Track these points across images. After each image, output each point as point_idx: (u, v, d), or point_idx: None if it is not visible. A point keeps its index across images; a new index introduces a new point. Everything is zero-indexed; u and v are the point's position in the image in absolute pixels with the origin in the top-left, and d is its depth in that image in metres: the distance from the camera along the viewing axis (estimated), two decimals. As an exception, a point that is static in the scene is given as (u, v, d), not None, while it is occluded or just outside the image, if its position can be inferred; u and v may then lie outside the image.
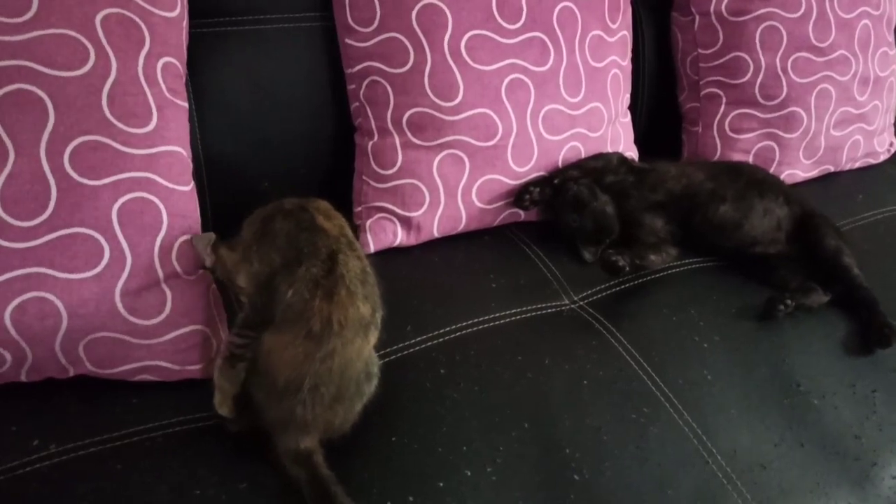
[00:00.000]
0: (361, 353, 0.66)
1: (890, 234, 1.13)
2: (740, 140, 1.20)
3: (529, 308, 0.87)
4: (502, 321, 0.85)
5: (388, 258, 0.95)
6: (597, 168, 1.04)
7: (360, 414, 0.68)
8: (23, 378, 0.71)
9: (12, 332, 0.66)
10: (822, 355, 0.86)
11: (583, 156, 1.05)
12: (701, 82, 1.22)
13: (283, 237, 0.67)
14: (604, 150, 1.09)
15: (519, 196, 1.00)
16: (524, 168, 1.00)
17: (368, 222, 0.97)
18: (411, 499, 0.65)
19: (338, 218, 0.70)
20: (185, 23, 0.82)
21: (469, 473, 0.68)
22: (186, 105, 0.79)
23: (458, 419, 0.73)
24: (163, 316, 0.71)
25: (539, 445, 0.71)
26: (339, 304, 0.63)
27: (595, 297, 0.91)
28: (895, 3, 1.31)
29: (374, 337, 0.68)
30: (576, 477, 0.69)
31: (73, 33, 0.69)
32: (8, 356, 0.68)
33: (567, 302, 0.90)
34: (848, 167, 1.30)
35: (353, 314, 0.64)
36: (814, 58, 1.18)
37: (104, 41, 0.71)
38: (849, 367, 0.85)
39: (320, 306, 0.63)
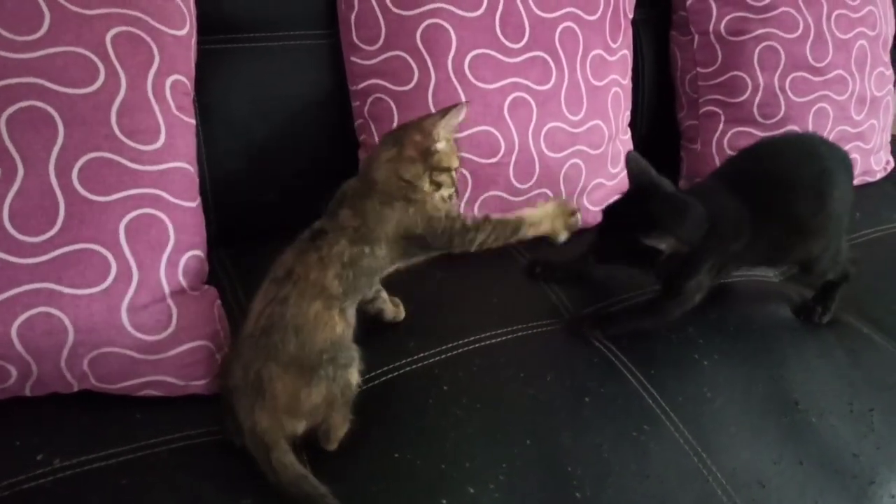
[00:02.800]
0: (321, 320, 0.68)
1: (888, 251, 1.14)
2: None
3: (531, 325, 0.88)
4: (504, 337, 0.85)
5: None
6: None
7: (352, 425, 0.70)
8: (27, 393, 0.71)
9: (18, 346, 0.67)
10: (820, 374, 0.87)
11: (583, 173, 1.06)
12: (700, 100, 1.24)
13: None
14: (604, 168, 1.10)
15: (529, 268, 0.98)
16: (526, 185, 1.01)
17: (371, 237, 0.98)
18: (414, 515, 0.66)
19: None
20: (194, 41, 0.83)
21: (472, 490, 0.68)
22: (194, 122, 0.80)
23: (460, 435, 0.73)
24: (168, 331, 0.72)
25: (541, 462, 0.72)
26: (304, 262, 0.70)
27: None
28: (891, 24, 1.33)
29: (340, 320, 0.69)
30: (577, 494, 0.70)
31: (83, 51, 0.70)
32: (13, 371, 0.68)
33: (570, 315, 0.91)
34: (845, 185, 1.31)
35: (315, 277, 0.69)
36: (811, 77, 1.20)
37: (114, 59, 0.71)
38: (847, 385, 0.86)
39: (288, 258, 0.71)
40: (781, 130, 1.19)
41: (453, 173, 0.76)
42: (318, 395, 0.68)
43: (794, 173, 0.87)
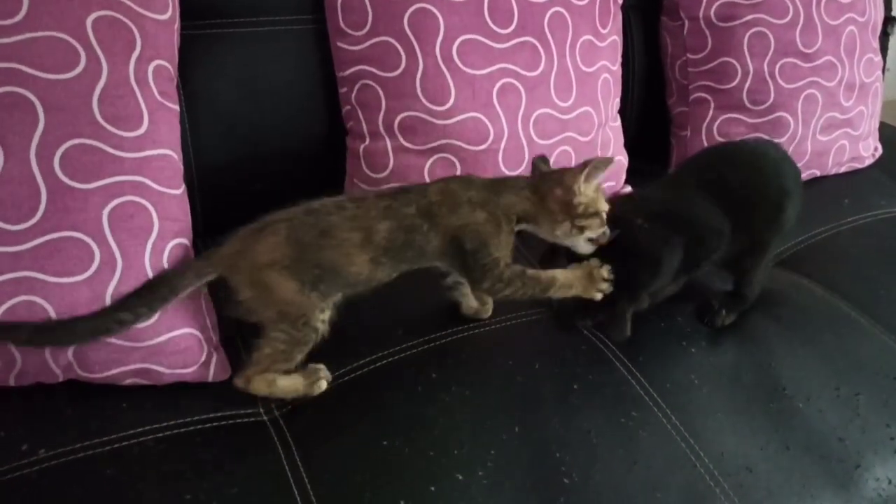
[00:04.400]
0: (346, 246, 0.71)
1: (876, 237, 1.14)
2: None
3: (520, 313, 0.87)
4: (493, 325, 0.85)
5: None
6: None
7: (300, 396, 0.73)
8: (11, 382, 0.71)
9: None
10: (806, 360, 0.87)
11: (573, 160, 1.06)
12: (690, 87, 1.23)
13: None
14: (594, 154, 1.09)
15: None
16: (515, 172, 1.01)
17: (359, 225, 0.98)
18: (402, 502, 0.65)
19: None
20: (177, 25, 0.82)
21: (460, 477, 0.68)
22: (178, 108, 0.79)
23: (449, 423, 0.73)
24: (153, 320, 0.71)
25: (529, 449, 0.72)
26: (376, 200, 0.73)
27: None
28: (880, 10, 1.33)
29: (366, 265, 0.72)
30: (566, 480, 0.70)
31: (63, 36, 0.69)
32: (-3, 360, 0.67)
33: (557, 307, 0.91)
34: (834, 172, 1.31)
35: (374, 217, 0.72)
36: (801, 63, 1.20)
37: (95, 44, 0.70)
38: (833, 371, 0.86)
39: (371, 192, 0.76)
40: (771, 117, 1.19)
41: (602, 214, 0.76)
42: (280, 291, 0.70)
43: (759, 186, 0.88)
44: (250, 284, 0.71)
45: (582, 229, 0.76)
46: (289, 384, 0.74)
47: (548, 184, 0.76)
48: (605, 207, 0.77)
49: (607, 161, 0.75)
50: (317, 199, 0.74)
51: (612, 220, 0.80)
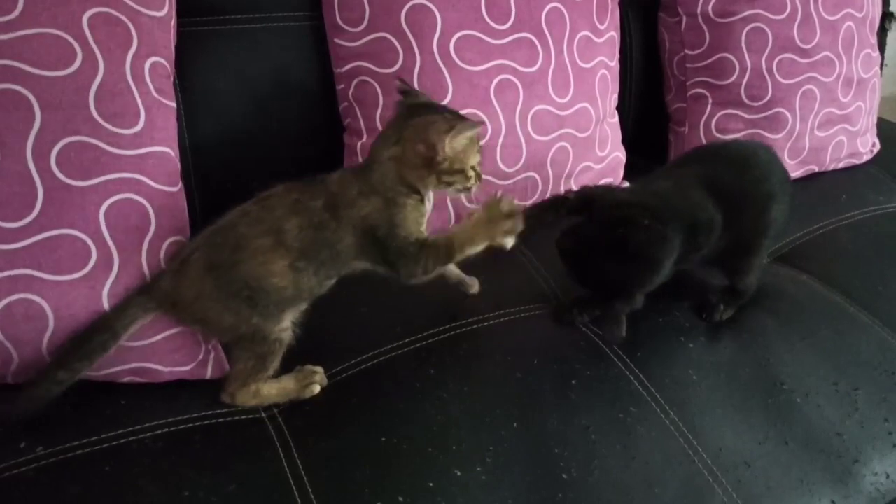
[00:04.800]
0: (259, 254, 0.68)
1: (873, 233, 1.15)
2: (726, 140, 1.21)
3: (518, 309, 0.87)
4: (491, 322, 0.85)
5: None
6: None
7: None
8: (9, 380, 0.71)
9: (-2, 333, 0.66)
10: (805, 355, 0.87)
11: (570, 157, 1.05)
12: (688, 83, 1.23)
13: None
14: (592, 151, 1.09)
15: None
16: (513, 168, 1.01)
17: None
18: (401, 499, 0.65)
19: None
20: (174, 22, 0.82)
21: (459, 473, 0.68)
22: (174, 105, 0.78)
23: (447, 419, 0.73)
24: (150, 318, 0.71)
25: (528, 445, 0.72)
26: (283, 196, 0.71)
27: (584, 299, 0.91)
28: (878, 5, 1.33)
29: (286, 273, 0.68)
30: (564, 476, 0.70)
31: (59, 33, 0.69)
32: (-6, 358, 0.67)
33: (555, 303, 0.91)
34: (832, 167, 1.31)
35: (280, 215, 0.69)
36: (799, 59, 1.19)
37: (91, 41, 0.70)
38: (831, 366, 0.86)
39: (279, 188, 0.72)
40: (769, 112, 1.19)
41: (469, 170, 0.71)
42: (222, 320, 0.69)
43: (746, 186, 0.88)
44: (192, 320, 0.70)
45: (449, 184, 0.71)
46: (277, 390, 0.73)
47: (413, 137, 0.70)
48: (472, 163, 0.71)
49: (474, 126, 0.70)
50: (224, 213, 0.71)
51: (611, 219, 0.78)
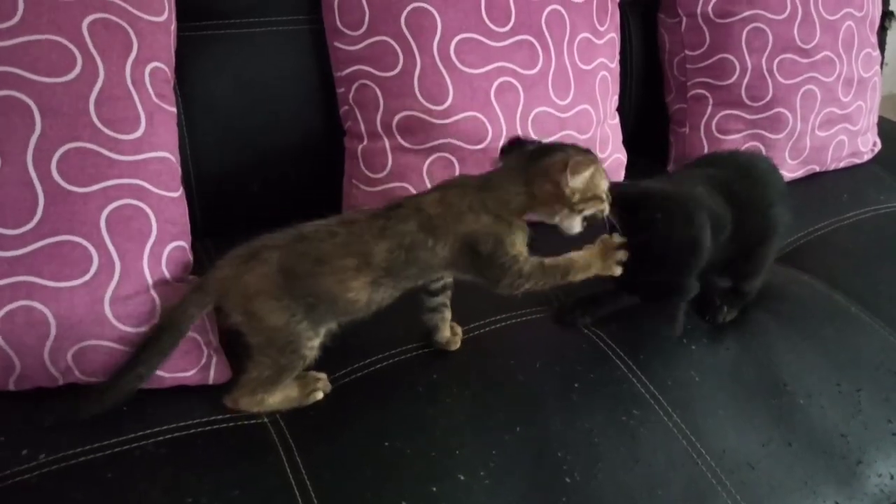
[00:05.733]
0: (340, 274, 0.69)
1: (875, 232, 1.15)
2: (727, 141, 1.21)
3: (521, 312, 0.87)
4: (494, 326, 0.85)
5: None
6: None
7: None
8: (11, 387, 0.70)
9: (0, 341, 0.66)
10: (807, 355, 0.87)
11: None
12: (688, 83, 1.23)
13: None
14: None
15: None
16: (514, 170, 1.00)
17: (358, 226, 0.97)
18: (404, 503, 0.65)
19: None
20: (173, 27, 0.82)
21: (462, 477, 0.68)
22: (175, 110, 0.78)
23: (450, 423, 0.73)
24: (152, 323, 0.71)
25: (531, 448, 0.72)
26: (369, 222, 0.71)
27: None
28: (878, 5, 1.33)
29: (363, 289, 0.70)
30: (567, 479, 0.70)
31: (59, 39, 0.69)
32: (-4, 365, 0.67)
33: (558, 305, 0.90)
34: (833, 167, 1.31)
35: (368, 241, 0.70)
36: (799, 59, 1.19)
37: (91, 47, 0.70)
38: (834, 367, 0.86)
39: (361, 213, 0.73)
40: (769, 112, 1.19)
41: (602, 194, 0.74)
42: (271, 319, 0.69)
43: (749, 194, 0.88)
44: (240, 311, 0.70)
45: (582, 211, 0.73)
46: (281, 398, 0.73)
47: (537, 179, 0.72)
48: (603, 188, 0.74)
49: (589, 158, 0.72)
50: (309, 222, 0.72)
51: (640, 208, 0.79)
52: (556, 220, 0.75)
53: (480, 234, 0.71)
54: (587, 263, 0.75)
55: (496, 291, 0.74)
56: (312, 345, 0.72)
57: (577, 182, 0.71)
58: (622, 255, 0.76)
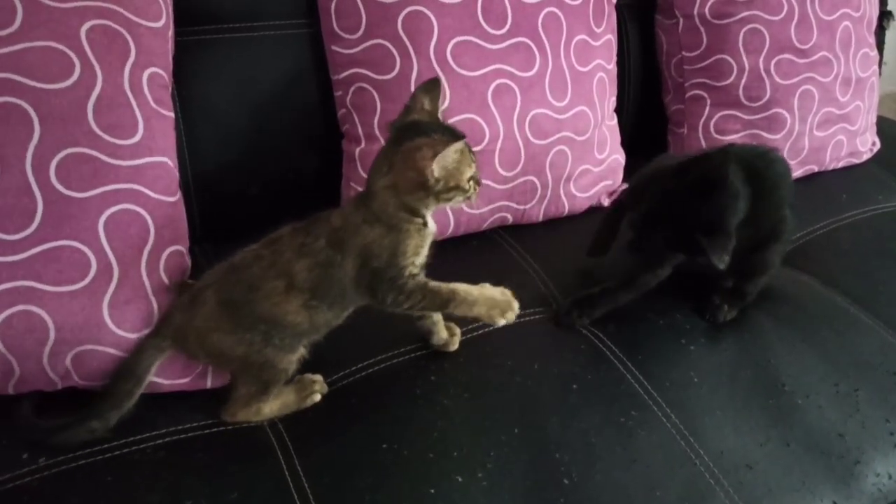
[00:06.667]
0: (273, 296, 0.69)
1: (874, 232, 1.14)
2: (725, 141, 1.20)
3: (519, 313, 0.87)
4: (491, 327, 0.85)
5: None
6: None
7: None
8: (10, 391, 0.71)
9: None
10: (805, 356, 0.87)
11: (569, 160, 1.05)
12: (686, 84, 1.23)
13: None
14: (590, 154, 1.09)
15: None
16: (512, 172, 1.01)
17: (357, 228, 0.97)
18: (402, 505, 0.66)
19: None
20: (171, 32, 0.82)
21: (460, 479, 0.68)
22: (172, 115, 0.79)
23: (448, 425, 0.73)
24: (151, 328, 0.71)
25: (529, 450, 0.72)
26: (291, 240, 0.71)
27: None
28: (875, 4, 1.33)
29: (300, 311, 0.69)
30: (565, 481, 0.70)
31: (57, 45, 0.69)
32: (-5, 369, 0.67)
33: (555, 307, 0.91)
34: (832, 167, 1.31)
35: (288, 259, 0.69)
36: (796, 59, 1.19)
37: (89, 53, 0.70)
38: (832, 367, 0.86)
39: (286, 230, 0.72)
40: (767, 113, 1.19)
41: (465, 184, 0.70)
42: (234, 351, 0.69)
43: (767, 190, 0.88)
44: (202, 353, 0.71)
45: (448, 200, 0.70)
46: (278, 405, 0.74)
47: (401, 165, 0.69)
48: (467, 176, 0.69)
49: (457, 144, 0.67)
50: (240, 249, 0.72)
51: (678, 171, 0.81)
52: (424, 209, 0.70)
53: (374, 248, 0.69)
54: (472, 301, 0.71)
55: (380, 307, 0.71)
56: (290, 359, 0.72)
57: (445, 164, 0.67)
58: (510, 314, 0.73)
